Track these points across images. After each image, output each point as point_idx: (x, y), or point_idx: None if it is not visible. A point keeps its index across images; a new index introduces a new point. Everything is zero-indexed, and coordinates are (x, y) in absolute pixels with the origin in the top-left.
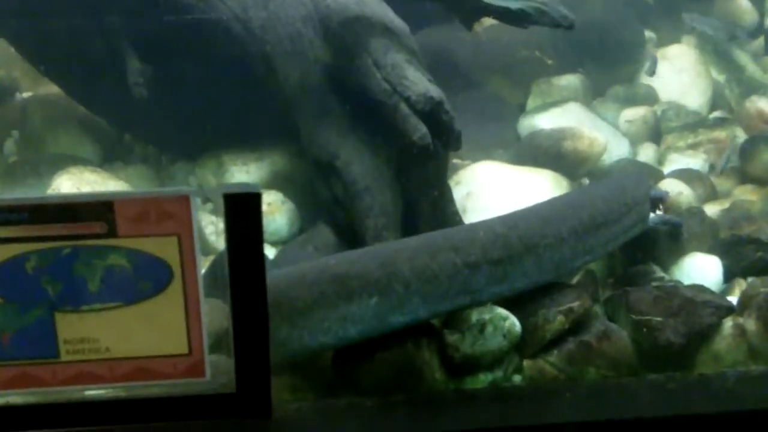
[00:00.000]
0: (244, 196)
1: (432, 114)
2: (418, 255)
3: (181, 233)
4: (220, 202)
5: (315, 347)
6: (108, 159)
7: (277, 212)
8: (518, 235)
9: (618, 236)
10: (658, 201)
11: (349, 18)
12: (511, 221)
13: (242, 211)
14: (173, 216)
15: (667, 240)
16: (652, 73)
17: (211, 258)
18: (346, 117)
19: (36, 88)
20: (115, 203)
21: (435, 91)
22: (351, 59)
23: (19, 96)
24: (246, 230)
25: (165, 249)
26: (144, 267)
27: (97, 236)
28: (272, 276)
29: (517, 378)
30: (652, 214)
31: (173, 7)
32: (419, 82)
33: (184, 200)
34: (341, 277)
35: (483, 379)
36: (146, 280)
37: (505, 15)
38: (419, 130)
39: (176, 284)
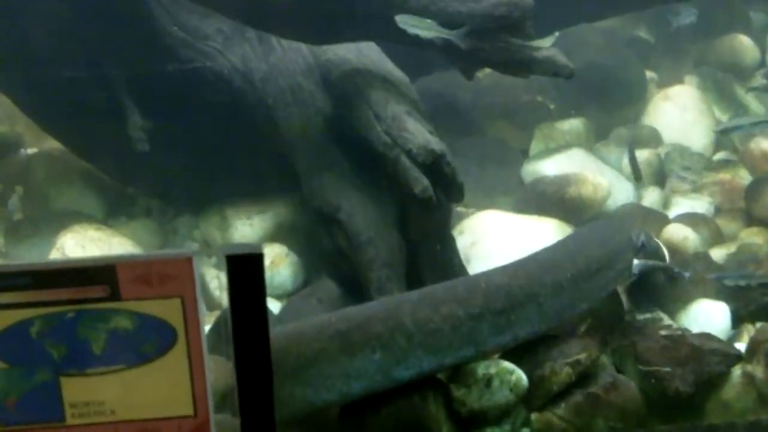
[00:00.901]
0: (247, 257)
1: (434, 166)
2: (420, 307)
3: (184, 295)
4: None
5: (318, 404)
6: (112, 213)
7: (281, 265)
8: (519, 284)
9: (610, 282)
10: (641, 248)
11: (349, 70)
12: (511, 270)
13: (245, 271)
14: (176, 278)
15: (671, 285)
16: (638, 176)
17: (216, 313)
18: (348, 168)
19: (39, 144)
20: (117, 267)
21: (436, 144)
22: (351, 111)
23: (22, 151)
24: (249, 291)
25: (168, 311)
26: (147, 329)
27: (101, 300)
28: (273, 334)
29: (525, 431)
30: (635, 261)
31: (174, 60)
32: (420, 135)
33: (187, 262)
34: (343, 333)
35: None
36: (150, 342)
37: (505, 66)
38: (421, 182)
39: (180, 346)
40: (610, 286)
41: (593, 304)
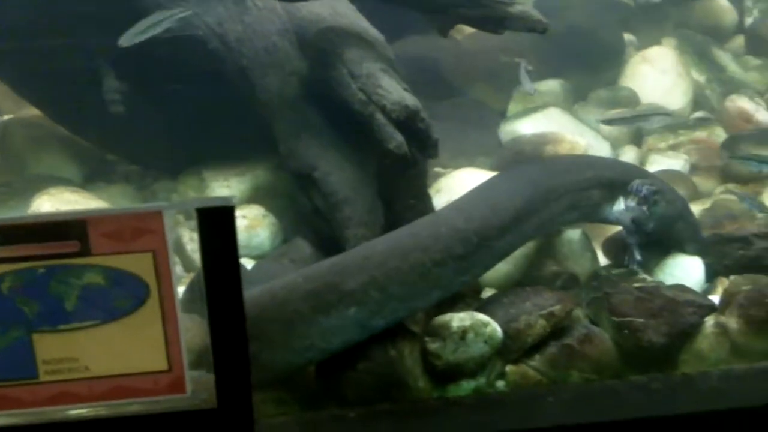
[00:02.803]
0: (218, 210)
1: (408, 122)
2: (389, 259)
3: (156, 249)
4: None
5: (301, 364)
6: (90, 179)
7: (259, 226)
8: (474, 228)
9: (552, 220)
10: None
11: (324, 29)
12: (466, 213)
13: (216, 225)
14: (147, 232)
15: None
16: (531, 89)
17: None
18: (324, 128)
19: (18, 110)
20: (88, 221)
21: (410, 100)
22: (327, 70)
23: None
24: (221, 244)
25: (140, 265)
26: (120, 284)
27: (72, 255)
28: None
29: (500, 383)
30: (620, 207)
31: None
32: (394, 91)
33: (158, 216)
34: (315, 293)
35: (466, 386)
36: (123, 297)
37: (479, 22)
38: (395, 139)
39: (153, 300)
40: (553, 225)
41: (532, 239)
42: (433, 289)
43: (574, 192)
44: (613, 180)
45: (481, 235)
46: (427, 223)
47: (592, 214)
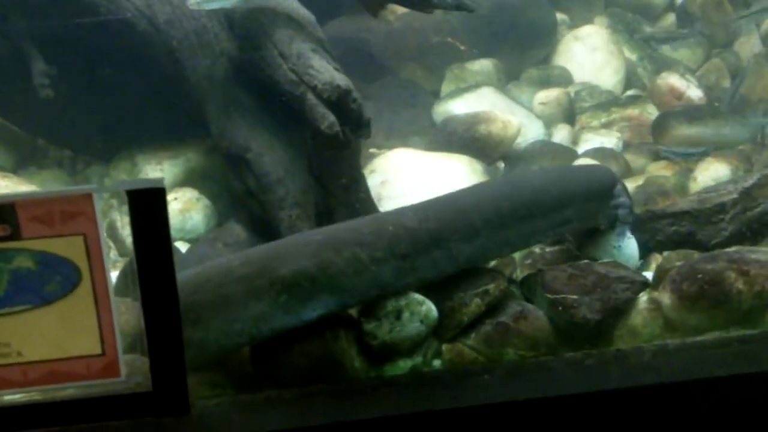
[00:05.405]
0: (148, 191)
1: (340, 102)
2: (323, 251)
3: (87, 232)
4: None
5: (231, 348)
6: (22, 165)
7: (192, 209)
8: (428, 228)
9: (546, 230)
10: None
11: (253, 9)
12: (423, 213)
13: (147, 206)
14: (77, 215)
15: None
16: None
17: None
18: (255, 109)
19: None
20: (16, 204)
21: (342, 80)
22: (256, 50)
23: None
24: (152, 226)
25: (71, 249)
26: (51, 268)
27: (1, 239)
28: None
29: (436, 362)
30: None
31: (78, 5)
32: (325, 71)
33: (88, 198)
34: (248, 277)
35: (402, 366)
36: (54, 281)
37: (408, 1)
38: (327, 119)
39: (85, 284)
40: (545, 234)
41: (516, 250)
42: (370, 287)
43: (579, 204)
44: (607, 187)
45: (438, 237)
46: (376, 218)
47: (587, 223)
